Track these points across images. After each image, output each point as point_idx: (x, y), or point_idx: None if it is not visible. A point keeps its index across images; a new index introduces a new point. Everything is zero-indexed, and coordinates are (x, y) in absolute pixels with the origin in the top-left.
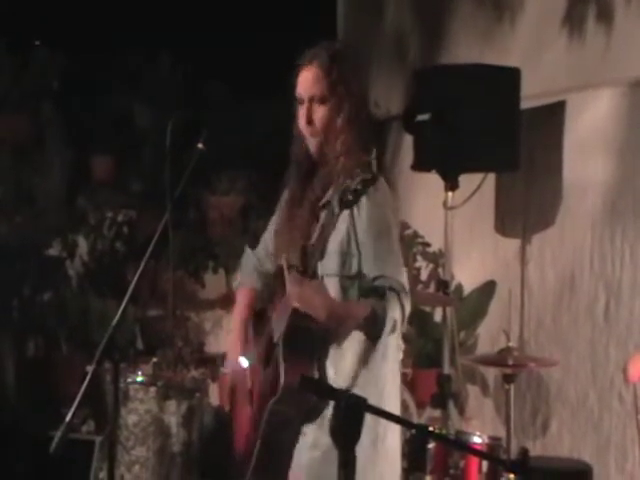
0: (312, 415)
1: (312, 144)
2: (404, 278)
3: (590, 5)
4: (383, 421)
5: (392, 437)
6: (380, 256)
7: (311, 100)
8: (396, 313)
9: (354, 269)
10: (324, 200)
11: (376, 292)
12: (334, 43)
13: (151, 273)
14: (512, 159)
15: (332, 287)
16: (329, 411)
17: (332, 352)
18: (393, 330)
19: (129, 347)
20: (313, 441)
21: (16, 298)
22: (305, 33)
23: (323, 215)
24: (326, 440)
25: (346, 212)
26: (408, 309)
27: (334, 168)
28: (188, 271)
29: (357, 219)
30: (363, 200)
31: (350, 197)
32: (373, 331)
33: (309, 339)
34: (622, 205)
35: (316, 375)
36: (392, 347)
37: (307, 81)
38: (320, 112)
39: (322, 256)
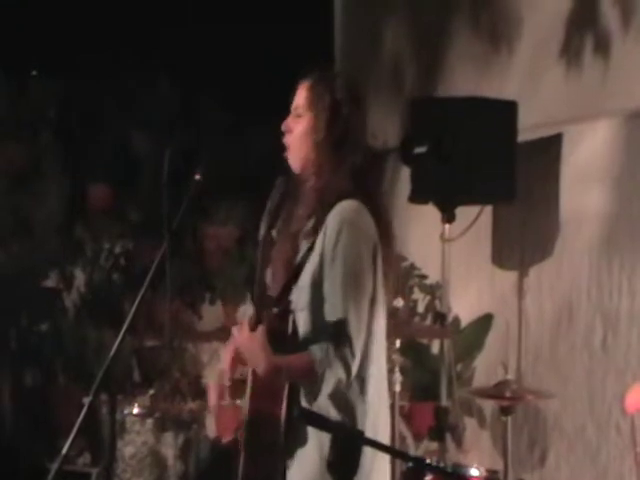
0: (291, 448)
1: (290, 158)
2: (360, 325)
3: (587, 37)
4: (369, 457)
5: (378, 473)
6: (337, 302)
7: (294, 111)
8: (339, 372)
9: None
10: (304, 231)
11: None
12: (333, 69)
13: (148, 304)
14: (509, 191)
15: (303, 321)
16: (312, 441)
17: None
18: (337, 388)
19: (126, 379)
20: (296, 471)
21: (13, 328)
22: (302, 63)
23: (302, 247)
24: (308, 470)
25: (319, 244)
26: (355, 368)
27: (311, 196)
28: (185, 302)
29: (326, 253)
30: (332, 235)
31: (322, 231)
32: (311, 387)
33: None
34: (619, 236)
35: (284, 404)
36: (372, 384)
37: (296, 94)
38: (296, 125)
39: (295, 289)
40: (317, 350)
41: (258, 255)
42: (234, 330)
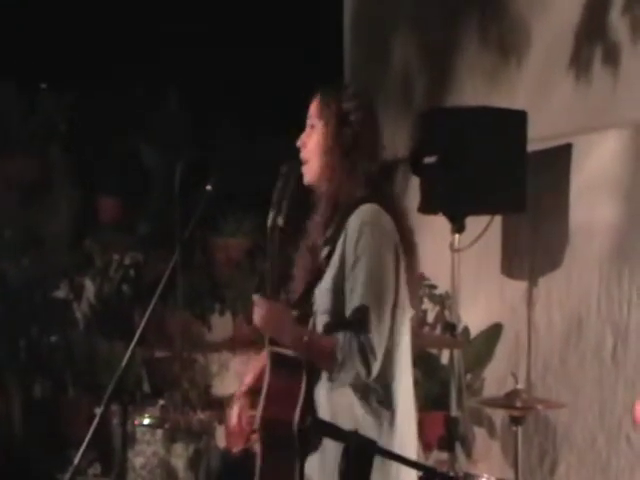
0: (310, 453)
1: (306, 172)
2: (381, 325)
3: (596, 47)
4: (394, 468)
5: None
6: (359, 300)
7: (310, 124)
8: (358, 366)
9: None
10: (323, 238)
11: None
12: (347, 84)
13: (158, 315)
14: (519, 201)
15: (323, 324)
16: (330, 451)
17: (328, 385)
18: (356, 384)
19: (136, 389)
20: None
21: (23, 340)
22: (312, 76)
23: (323, 252)
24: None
25: (340, 247)
26: (375, 370)
27: (328, 202)
28: (194, 313)
29: (348, 254)
30: (353, 237)
31: (342, 235)
32: (330, 371)
33: (294, 369)
34: (629, 247)
35: (299, 408)
36: (399, 393)
37: (311, 107)
38: (309, 138)
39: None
40: (340, 337)
41: (268, 245)
42: (255, 300)
